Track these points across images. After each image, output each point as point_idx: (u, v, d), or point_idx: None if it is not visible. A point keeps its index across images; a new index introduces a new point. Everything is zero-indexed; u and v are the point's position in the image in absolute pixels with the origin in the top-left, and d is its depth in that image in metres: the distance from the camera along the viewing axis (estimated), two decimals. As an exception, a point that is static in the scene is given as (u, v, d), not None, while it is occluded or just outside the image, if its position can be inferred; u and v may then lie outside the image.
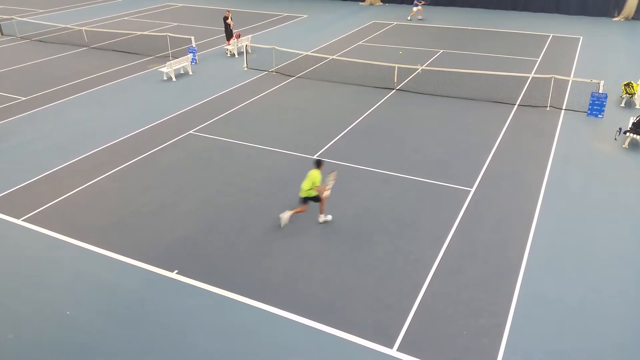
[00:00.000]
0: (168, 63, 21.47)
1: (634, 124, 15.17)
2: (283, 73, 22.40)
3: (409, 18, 33.54)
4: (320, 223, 11.52)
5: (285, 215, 11.33)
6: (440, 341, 8.47)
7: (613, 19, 33.27)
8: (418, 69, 21.61)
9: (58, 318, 9.04)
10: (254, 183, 13.38)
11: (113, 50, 26.22)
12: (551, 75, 18.88)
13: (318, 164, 11.20)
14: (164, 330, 8.75)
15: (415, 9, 33.34)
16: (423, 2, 33.57)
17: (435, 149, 15.12)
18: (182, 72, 22.54)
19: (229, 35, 25.91)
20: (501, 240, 11.00)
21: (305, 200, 11.27)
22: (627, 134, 15.15)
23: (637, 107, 18.23)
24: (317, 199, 11.21)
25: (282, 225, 11.37)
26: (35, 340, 8.60)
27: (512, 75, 20.70)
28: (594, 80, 17.93)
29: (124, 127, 16.92)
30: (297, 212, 11.43)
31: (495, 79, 21.03)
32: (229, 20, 25.63)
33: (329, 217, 11.62)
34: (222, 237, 11.19)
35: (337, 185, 13.04)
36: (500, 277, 9.89)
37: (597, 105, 17.28)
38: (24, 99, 19.64)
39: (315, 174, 10.97)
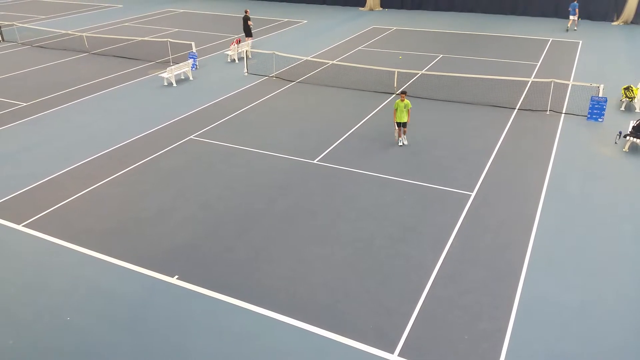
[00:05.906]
0: (169, 69, 21.52)
1: (634, 127, 15.18)
2: (283, 78, 22.44)
3: (569, 28, 31.13)
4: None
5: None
6: (442, 346, 8.45)
7: (612, 23, 33.34)
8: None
9: (58, 323, 9.03)
10: (254, 188, 13.38)
11: (114, 56, 26.29)
12: (551, 79, 18.89)
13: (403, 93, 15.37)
14: (164, 336, 8.74)
15: (573, 17, 30.57)
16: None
17: (436, 153, 15.12)
18: (182, 77, 22.59)
19: (248, 33, 26.30)
20: (502, 244, 10.99)
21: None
22: (627, 137, 15.15)
23: (637, 110, 18.23)
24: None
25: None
26: (36, 346, 8.59)
27: (512, 80, 20.73)
28: (594, 84, 17.95)
29: (124, 133, 16.95)
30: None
31: (495, 83, 21.06)
32: (250, 22, 26.06)
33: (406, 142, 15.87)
34: (222, 242, 11.18)
35: (338, 189, 13.06)
36: (501, 281, 9.88)
37: (597, 109, 17.29)
38: (25, 104, 19.68)
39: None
